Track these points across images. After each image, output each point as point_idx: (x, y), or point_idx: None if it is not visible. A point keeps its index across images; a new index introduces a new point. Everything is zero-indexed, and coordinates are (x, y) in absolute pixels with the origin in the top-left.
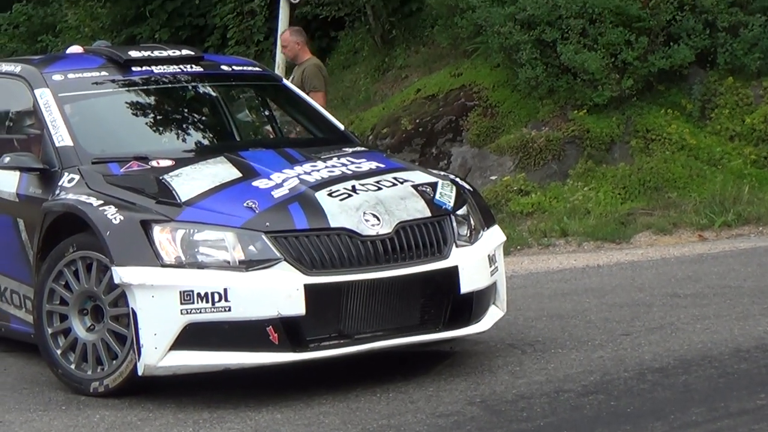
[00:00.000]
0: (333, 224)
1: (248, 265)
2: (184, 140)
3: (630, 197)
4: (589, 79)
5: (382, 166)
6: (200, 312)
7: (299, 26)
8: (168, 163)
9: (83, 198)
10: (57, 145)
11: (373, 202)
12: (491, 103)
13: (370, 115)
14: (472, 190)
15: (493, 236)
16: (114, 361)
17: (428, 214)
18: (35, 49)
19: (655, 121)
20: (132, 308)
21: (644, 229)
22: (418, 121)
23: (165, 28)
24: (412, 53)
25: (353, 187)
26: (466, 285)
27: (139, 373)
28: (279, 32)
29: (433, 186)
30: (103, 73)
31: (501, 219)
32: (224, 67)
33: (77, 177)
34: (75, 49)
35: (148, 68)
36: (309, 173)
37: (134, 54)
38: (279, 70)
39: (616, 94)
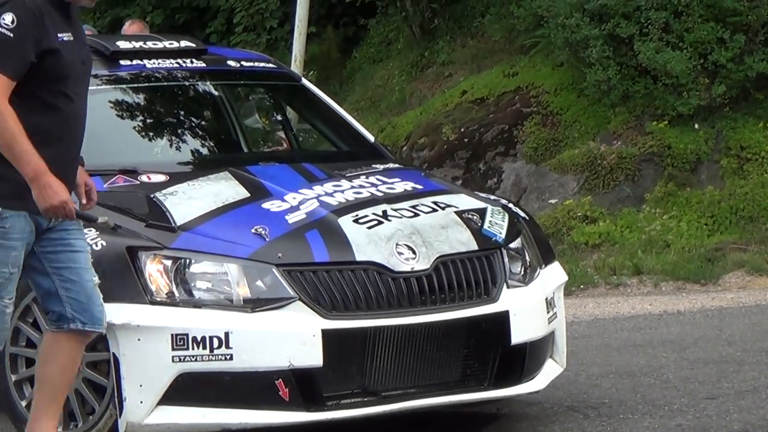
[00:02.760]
0: (359, 257)
1: (255, 304)
2: (180, 151)
3: (719, 228)
4: (672, 84)
5: (419, 187)
6: (196, 360)
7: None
8: (161, 178)
9: None
10: None
11: (407, 231)
12: (552, 110)
13: (404, 120)
14: (528, 218)
15: (553, 275)
16: (90, 417)
17: (474, 247)
18: None
19: (752, 137)
20: (113, 353)
21: (736, 268)
22: (463, 129)
23: (158, 9)
24: (457, 47)
25: (384, 212)
26: (519, 334)
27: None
28: (297, 17)
29: (481, 213)
30: None
31: (561, 251)
32: (231, 63)
33: None
34: None
35: (139, 62)
36: (331, 194)
37: (123, 45)
38: (296, 65)
39: (705, 102)
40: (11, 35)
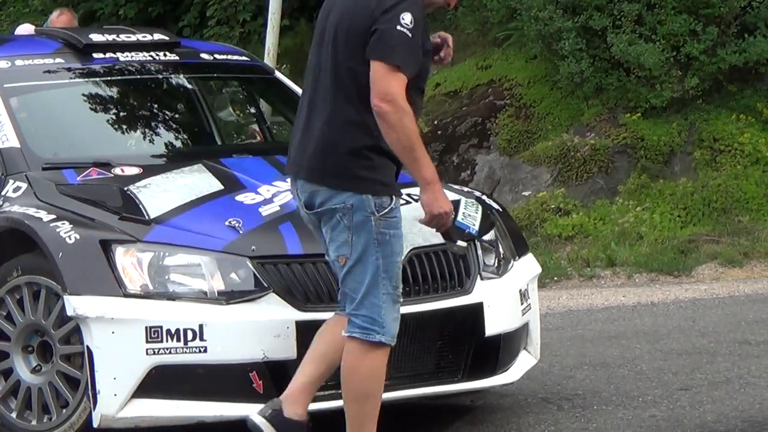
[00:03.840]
0: None
1: (229, 296)
2: (154, 143)
3: (692, 220)
4: (645, 76)
5: None
6: (170, 352)
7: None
8: (134, 170)
9: (31, 211)
10: (0, 146)
11: None
12: (526, 102)
13: None
14: (501, 210)
15: (526, 267)
16: (64, 410)
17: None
18: None
19: (725, 129)
20: (87, 346)
21: (709, 260)
22: (436, 122)
23: (131, 2)
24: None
25: None
26: (492, 326)
27: (95, 424)
28: (270, 11)
29: (455, 205)
30: (58, 60)
31: (535, 243)
32: (204, 56)
33: (24, 185)
34: (26, 28)
35: (112, 55)
36: None
37: (96, 38)
38: (269, 58)
39: (678, 95)
40: (410, 35)
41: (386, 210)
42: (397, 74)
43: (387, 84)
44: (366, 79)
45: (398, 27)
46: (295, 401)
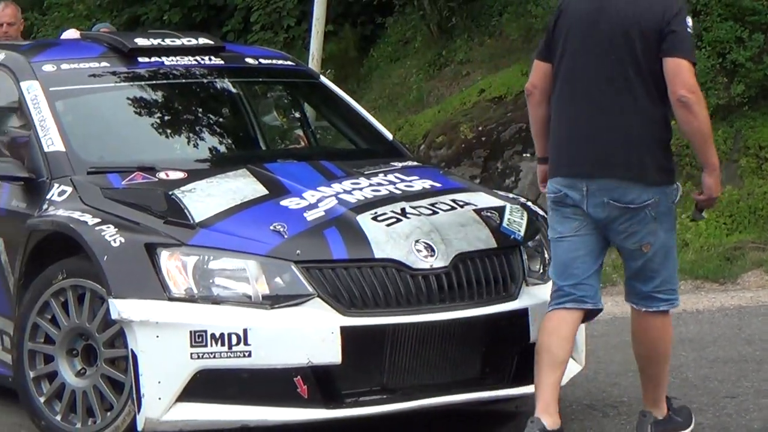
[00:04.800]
0: (378, 254)
1: (274, 301)
2: (199, 148)
3: (738, 228)
4: None
5: (438, 185)
6: (214, 357)
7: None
8: (179, 175)
9: (76, 215)
10: (46, 150)
11: (426, 228)
12: None
13: (422, 119)
14: (546, 216)
15: None
16: (108, 413)
17: (493, 244)
18: None
19: None
20: (132, 350)
21: (755, 267)
22: (480, 128)
23: (176, 8)
24: (475, 45)
25: (403, 210)
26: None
27: (139, 428)
28: (314, 16)
29: (500, 211)
30: (104, 63)
31: None
32: (249, 60)
33: (69, 189)
34: (71, 33)
35: (157, 59)
36: (350, 192)
37: (141, 42)
38: (314, 63)
39: (724, 102)
40: (691, 37)
41: (679, 197)
42: (693, 69)
43: (691, 77)
44: (659, 77)
45: (687, 29)
46: (553, 412)
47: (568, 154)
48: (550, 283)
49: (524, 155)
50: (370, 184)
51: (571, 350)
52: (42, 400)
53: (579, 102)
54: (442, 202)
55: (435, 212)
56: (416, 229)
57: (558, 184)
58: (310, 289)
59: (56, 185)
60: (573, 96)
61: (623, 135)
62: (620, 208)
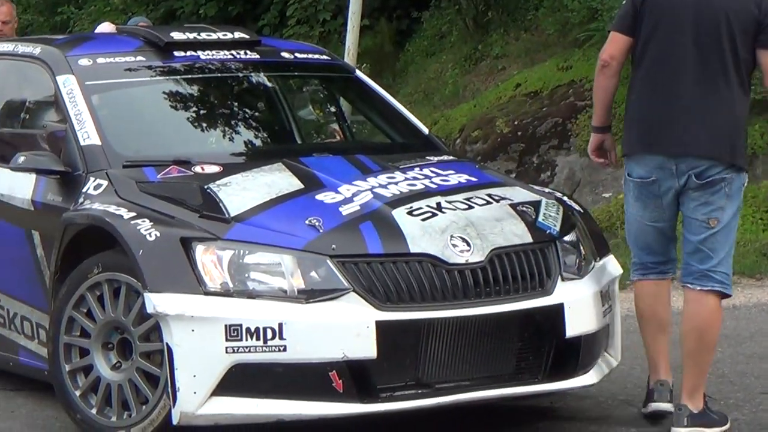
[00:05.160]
0: (413, 249)
1: (309, 295)
2: (234, 142)
3: None
4: None
5: (473, 179)
6: (249, 351)
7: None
8: (214, 169)
9: (112, 209)
10: (82, 143)
11: (462, 223)
12: None
13: (458, 113)
14: (582, 211)
15: (607, 269)
16: (144, 407)
17: (529, 239)
18: (54, 22)
19: None
20: (167, 343)
21: None
22: (516, 123)
23: (211, 2)
24: (511, 40)
25: (438, 204)
26: (573, 327)
27: (174, 421)
28: (350, 10)
29: (536, 206)
30: (139, 57)
31: (615, 245)
32: (285, 54)
33: (105, 183)
34: (106, 27)
35: (193, 53)
36: (385, 186)
37: (177, 36)
38: (349, 58)
39: (760, 96)
40: None
41: (744, 183)
42: None
43: None
44: (749, 65)
45: None
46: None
47: (665, 135)
48: (585, 279)
49: (560, 150)
50: (406, 179)
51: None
52: (77, 393)
53: (675, 84)
54: (477, 197)
55: (471, 207)
56: (452, 223)
57: (647, 165)
58: (346, 284)
59: (92, 179)
60: (668, 77)
61: (718, 117)
62: (701, 183)
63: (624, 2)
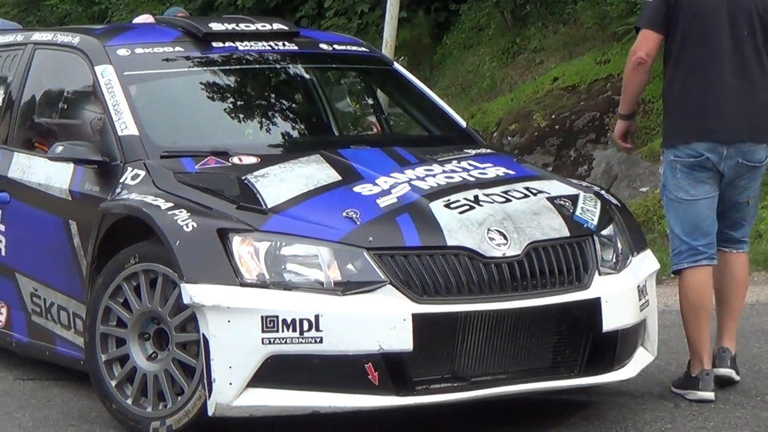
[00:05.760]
0: (450, 242)
1: (346, 287)
2: (271, 133)
3: None
4: None
5: (511, 173)
6: (285, 342)
7: None
8: (252, 160)
9: (149, 199)
10: (120, 134)
11: (499, 216)
12: (644, 97)
13: (495, 106)
14: (620, 205)
15: (645, 263)
16: (179, 398)
17: (566, 233)
18: (92, 12)
19: None
20: (203, 334)
21: None
22: (554, 116)
23: None
24: (548, 33)
25: (476, 197)
26: (610, 321)
27: (209, 413)
28: (388, 2)
29: (574, 199)
30: (178, 48)
31: (652, 240)
32: (324, 46)
33: (143, 173)
34: (144, 18)
35: (231, 44)
36: (422, 178)
37: (216, 27)
38: (387, 50)
39: None
40: None
41: None
42: None
43: None
44: None
45: None
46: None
47: (714, 122)
48: (623, 273)
49: (597, 144)
50: (444, 171)
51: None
52: (113, 383)
53: (717, 76)
54: (515, 190)
55: (508, 200)
56: (489, 216)
57: (699, 149)
58: (382, 276)
59: (129, 169)
60: (710, 70)
61: (758, 104)
62: (748, 167)
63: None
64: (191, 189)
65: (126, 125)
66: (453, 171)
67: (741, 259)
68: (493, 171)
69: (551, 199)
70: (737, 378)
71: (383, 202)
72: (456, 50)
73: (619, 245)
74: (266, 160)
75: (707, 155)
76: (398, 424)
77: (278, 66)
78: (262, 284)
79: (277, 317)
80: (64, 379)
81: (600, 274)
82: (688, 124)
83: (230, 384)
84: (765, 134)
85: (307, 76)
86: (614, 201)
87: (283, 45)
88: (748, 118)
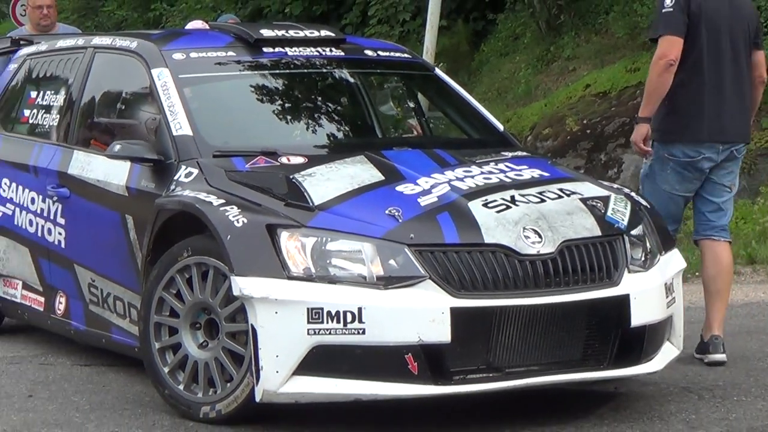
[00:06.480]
0: (487, 239)
1: (387, 281)
2: (318, 134)
3: None
4: None
5: (546, 174)
6: (330, 333)
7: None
8: (300, 160)
9: (202, 196)
10: (174, 133)
11: (534, 216)
12: None
13: (529, 111)
14: (648, 207)
15: (672, 262)
16: (228, 384)
17: (598, 233)
18: (147, 18)
19: None
20: (252, 325)
21: None
22: (585, 121)
23: (297, 1)
24: (581, 42)
25: (512, 197)
26: (638, 317)
27: (257, 399)
28: (429, 11)
29: (605, 201)
30: (230, 53)
31: (678, 240)
32: (368, 52)
33: (196, 171)
34: (196, 24)
35: (281, 50)
36: (462, 179)
37: (266, 33)
38: (428, 56)
39: None
40: None
41: None
42: None
43: None
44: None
45: None
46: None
47: (714, 124)
48: (651, 271)
49: (626, 148)
50: (482, 172)
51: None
52: (166, 370)
53: (719, 79)
54: (549, 191)
55: (543, 200)
56: (525, 216)
57: (699, 148)
58: (423, 271)
59: (183, 167)
60: (713, 74)
61: (746, 105)
62: (738, 156)
63: (671, 9)
64: (242, 187)
65: (180, 125)
66: (490, 172)
67: (727, 248)
68: (528, 173)
69: (584, 200)
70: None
71: (424, 201)
72: (493, 57)
73: (647, 245)
74: (313, 160)
75: (708, 154)
76: (432, 413)
77: (325, 71)
78: (308, 278)
79: (322, 309)
80: (119, 365)
81: (629, 272)
82: (692, 124)
83: (277, 372)
84: (748, 131)
85: (352, 80)
86: (643, 203)
87: (330, 51)
88: (742, 120)
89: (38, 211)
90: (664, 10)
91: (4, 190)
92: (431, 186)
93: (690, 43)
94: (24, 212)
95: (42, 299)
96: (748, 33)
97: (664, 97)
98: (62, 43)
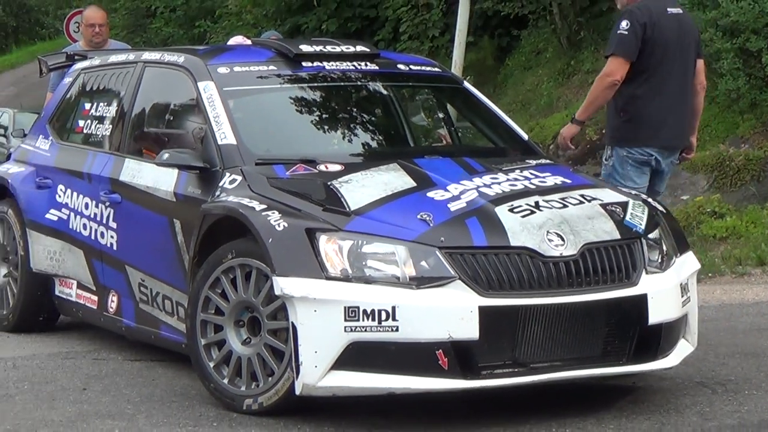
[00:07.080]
0: (513, 242)
1: (419, 282)
2: (354, 143)
3: None
4: None
5: (568, 181)
6: (365, 330)
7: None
8: (337, 167)
9: (245, 201)
10: (219, 143)
11: (557, 220)
12: None
13: (551, 122)
14: (665, 211)
15: (687, 263)
16: (270, 378)
17: (617, 236)
18: (192, 35)
19: None
20: (292, 322)
21: None
22: (604, 131)
23: (333, 18)
24: (600, 57)
25: (536, 203)
26: (655, 315)
27: (297, 392)
28: (457, 28)
29: (624, 206)
30: (271, 67)
31: (691, 243)
32: (401, 66)
33: (239, 178)
34: (237, 39)
35: (319, 64)
36: (489, 186)
37: (305, 48)
38: (456, 69)
39: None
40: None
41: None
42: None
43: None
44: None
45: None
46: None
47: (668, 131)
48: (668, 272)
49: None
50: (508, 179)
51: None
52: (212, 365)
53: (670, 91)
54: (571, 197)
55: (565, 206)
56: (548, 220)
57: (651, 150)
58: (452, 272)
59: (228, 174)
60: (665, 87)
61: (687, 114)
62: (673, 163)
63: (626, 32)
64: (282, 193)
65: (225, 135)
66: (516, 179)
67: None
68: (551, 180)
69: (604, 206)
70: None
71: (454, 206)
72: (517, 71)
73: (664, 247)
74: (349, 168)
75: (656, 156)
76: (458, 406)
77: (360, 83)
78: (345, 278)
79: (358, 308)
80: (168, 360)
81: (647, 273)
82: (650, 132)
83: (315, 367)
84: (689, 140)
85: (385, 92)
86: (659, 207)
87: (365, 65)
88: (684, 127)
89: (92, 216)
90: (619, 32)
91: (59, 196)
92: (460, 192)
93: (645, 61)
94: (78, 216)
95: (95, 298)
96: (693, 47)
97: (600, 108)
98: (114, 58)
